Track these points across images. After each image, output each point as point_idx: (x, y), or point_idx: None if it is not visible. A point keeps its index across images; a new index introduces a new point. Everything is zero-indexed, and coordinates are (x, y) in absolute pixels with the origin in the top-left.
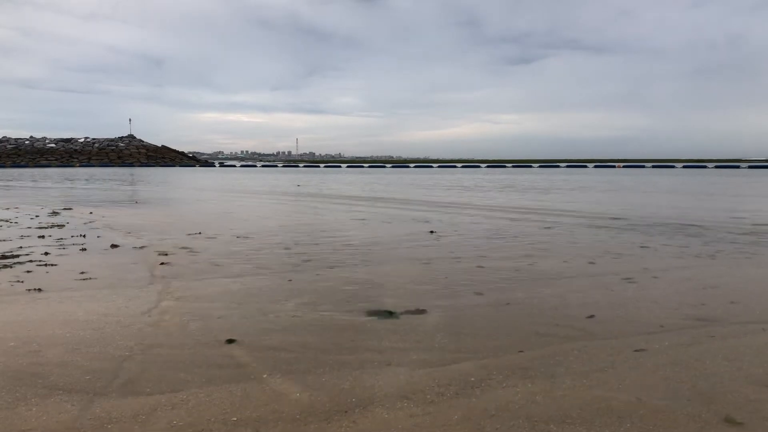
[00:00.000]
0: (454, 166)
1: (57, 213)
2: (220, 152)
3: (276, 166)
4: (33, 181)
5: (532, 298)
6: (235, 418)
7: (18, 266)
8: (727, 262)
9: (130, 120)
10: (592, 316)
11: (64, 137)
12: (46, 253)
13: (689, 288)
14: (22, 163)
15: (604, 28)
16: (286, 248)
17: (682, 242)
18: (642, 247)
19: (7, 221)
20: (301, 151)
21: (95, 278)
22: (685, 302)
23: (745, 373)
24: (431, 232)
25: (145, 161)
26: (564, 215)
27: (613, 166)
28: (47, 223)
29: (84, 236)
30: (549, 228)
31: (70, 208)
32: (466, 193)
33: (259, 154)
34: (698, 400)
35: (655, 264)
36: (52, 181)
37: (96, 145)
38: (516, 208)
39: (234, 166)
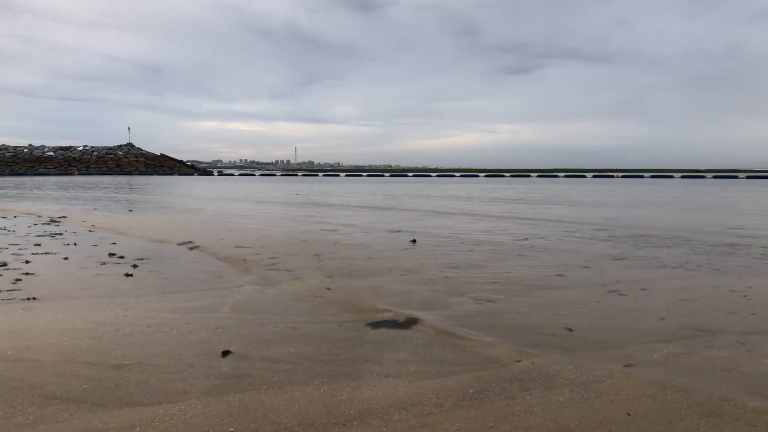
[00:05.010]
0: (453, 176)
1: (55, 221)
2: (218, 161)
3: (274, 174)
4: (33, 189)
5: (530, 308)
6: (232, 429)
7: (13, 273)
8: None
9: (128, 128)
10: (589, 327)
11: (63, 145)
12: (43, 262)
13: (685, 299)
14: (21, 171)
15: (603, 37)
16: (284, 259)
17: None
18: (641, 258)
19: (3, 229)
20: (299, 160)
21: (92, 287)
22: (681, 313)
23: (743, 384)
24: (413, 240)
25: (144, 170)
26: None
27: (612, 176)
28: (44, 231)
29: (82, 245)
30: None
31: (66, 217)
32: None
33: (258, 163)
34: (696, 411)
35: (650, 274)
36: (51, 189)
37: (95, 153)
38: None
39: (232, 174)
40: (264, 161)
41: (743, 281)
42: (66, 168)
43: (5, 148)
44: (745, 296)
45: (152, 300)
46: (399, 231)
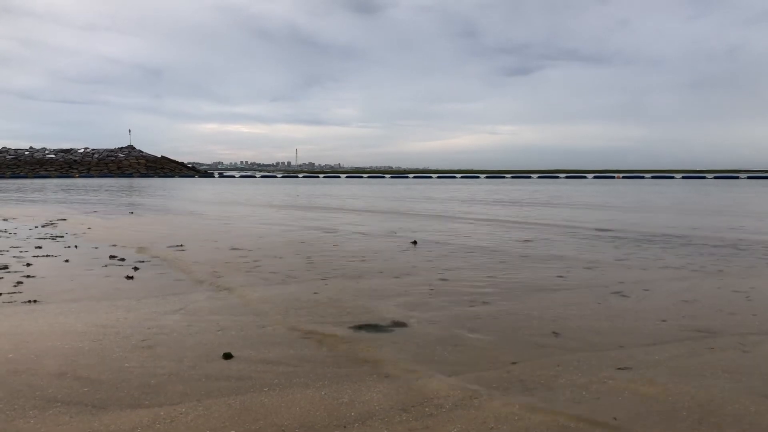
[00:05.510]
0: (454, 177)
1: (54, 224)
2: (219, 162)
3: (275, 176)
4: (34, 192)
5: (531, 309)
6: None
7: (14, 275)
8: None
9: (129, 131)
10: (589, 328)
11: (64, 148)
12: (44, 265)
13: (686, 300)
14: (22, 173)
15: (603, 38)
16: (281, 262)
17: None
18: (643, 258)
19: (4, 231)
20: (300, 162)
21: (93, 289)
22: (682, 314)
23: (745, 385)
24: (413, 242)
25: (145, 172)
26: None
27: (613, 177)
28: (45, 234)
29: (82, 248)
30: None
31: (67, 219)
32: None
33: (259, 165)
34: (698, 411)
35: (653, 275)
36: (52, 191)
37: (95, 155)
38: None
39: (233, 176)
40: (265, 163)
41: (746, 282)
42: (67, 170)
43: (6, 150)
44: (747, 297)
45: (153, 302)
46: (400, 233)
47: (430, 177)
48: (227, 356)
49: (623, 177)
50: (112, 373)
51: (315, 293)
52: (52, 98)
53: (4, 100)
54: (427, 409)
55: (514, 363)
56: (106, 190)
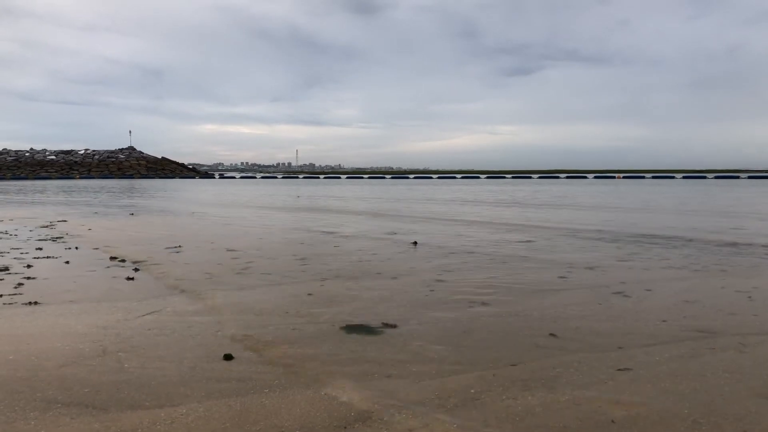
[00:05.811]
0: (454, 177)
1: (54, 225)
2: (220, 163)
3: (276, 177)
4: (35, 193)
5: (531, 309)
6: None
7: (15, 277)
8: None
9: (130, 132)
10: (589, 329)
11: (65, 149)
12: (44, 266)
13: (687, 300)
14: (22, 175)
15: (603, 38)
16: (280, 262)
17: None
18: (643, 259)
19: (5, 233)
20: (301, 162)
21: (93, 291)
22: (683, 314)
23: (746, 386)
24: (413, 243)
25: (145, 173)
26: None
27: (614, 177)
28: (46, 235)
29: (83, 249)
30: None
31: (67, 220)
32: None
33: (259, 166)
34: (698, 411)
35: (655, 276)
36: (53, 193)
37: (96, 157)
38: None
39: (234, 177)
40: (265, 164)
41: (748, 282)
42: (68, 172)
43: (7, 152)
44: (749, 297)
45: (153, 303)
46: (400, 234)
47: (431, 178)
48: (228, 357)
49: (624, 177)
50: (113, 374)
51: (310, 294)
52: (53, 99)
53: (4, 101)
54: (427, 408)
55: (513, 365)
56: (107, 192)
